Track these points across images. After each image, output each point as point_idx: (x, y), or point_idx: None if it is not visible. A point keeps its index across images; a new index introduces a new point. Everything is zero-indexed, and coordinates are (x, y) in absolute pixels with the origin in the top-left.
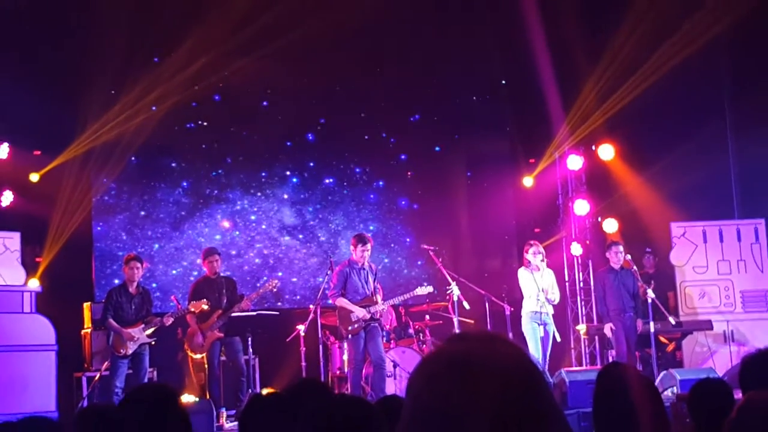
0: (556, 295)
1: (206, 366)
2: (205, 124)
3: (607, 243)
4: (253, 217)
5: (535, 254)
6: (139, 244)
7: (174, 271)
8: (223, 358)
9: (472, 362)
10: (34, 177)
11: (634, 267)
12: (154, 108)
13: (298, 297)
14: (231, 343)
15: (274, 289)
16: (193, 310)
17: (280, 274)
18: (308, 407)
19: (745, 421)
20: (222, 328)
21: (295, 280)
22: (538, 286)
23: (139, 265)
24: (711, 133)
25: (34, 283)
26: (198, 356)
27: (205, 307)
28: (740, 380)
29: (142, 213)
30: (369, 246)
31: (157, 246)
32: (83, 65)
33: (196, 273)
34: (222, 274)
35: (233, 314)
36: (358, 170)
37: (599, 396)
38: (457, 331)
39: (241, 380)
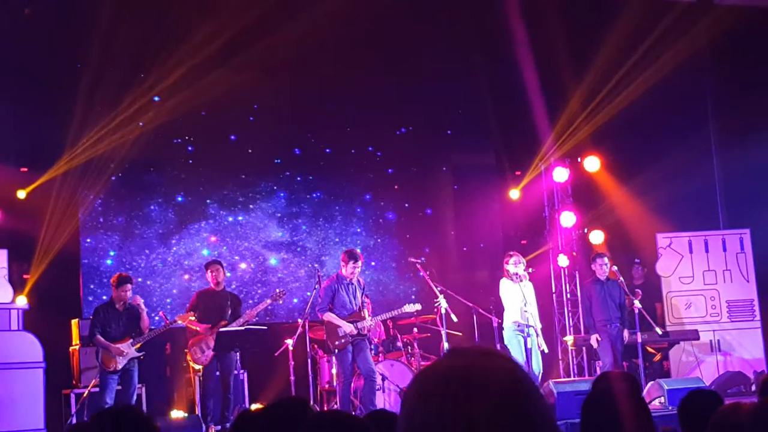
0: (537, 321)
1: (201, 378)
2: (191, 138)
3: (593, 255)
4: (240, 231)
5: (516, 264)
6: (126, 260)
7: (162, 287)
8: (218, 373)
9: (468, 378)
10: (21, 194)
11: (621, 278)
12: (140, 124)
13: (284, 312)
14: (228, 358)
15: (280, 300)
16: (180, 322)
17: (278, 290)
18: (299, 425)
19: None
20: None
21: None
22: (524, 295)
23: (129, 287)
24: (695, 144)
25: (22, 301)
26: (198, 366)
27: (192, 319)
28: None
29: (129, 229)
30: (360, 263)
31: (144, 262)
32: (69, 82)
33: (184, 288)
34: (227, 290)
35: (222, 329)
36: (345, 184)
37: (587, 409)
38: (447, 344)
39: (228, 397)
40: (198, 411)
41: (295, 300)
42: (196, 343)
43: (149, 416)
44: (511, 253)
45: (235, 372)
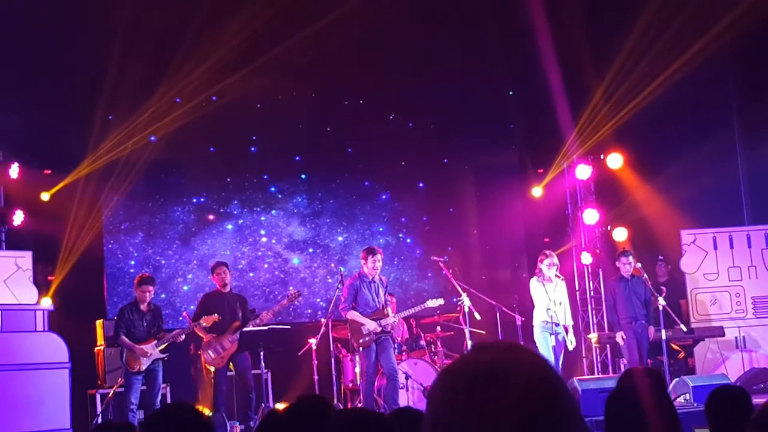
0: (568, 318)
1: (214, 381)
2: (213, 140)
3: (617, 253)
4: (262, 232)
5: (549, 266)
6: (149, 261)
7: (185, 287)
8: (231, 372)
9: (495, 372)
10: (45, 196)
11: (645, 275)
12: (152, 139)
13: (309, 311)
14: (240, 358)
15: (297, 301)
16: (204, 324)
17: (291, 288)
18: (325, 422)
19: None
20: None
21: (306, 293)
22: (549, 297)
23: (151, 288)
24: (719, 140)
25: (47, 302)
26: (213, 368)
27: (217, 319)
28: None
29: (152, 230)
30: (379, 257)
31: (166, 263)
32: (93, 85)
33: (207, 289)
34: (233, 291)
35: (245, 329)
36: (366, 183)
37: (612, 406)
38: (470, 342)
39: (250, 397)
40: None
41: (318, 300)
42: (209, 346)
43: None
44: (547, 252)
45: (257, 371)
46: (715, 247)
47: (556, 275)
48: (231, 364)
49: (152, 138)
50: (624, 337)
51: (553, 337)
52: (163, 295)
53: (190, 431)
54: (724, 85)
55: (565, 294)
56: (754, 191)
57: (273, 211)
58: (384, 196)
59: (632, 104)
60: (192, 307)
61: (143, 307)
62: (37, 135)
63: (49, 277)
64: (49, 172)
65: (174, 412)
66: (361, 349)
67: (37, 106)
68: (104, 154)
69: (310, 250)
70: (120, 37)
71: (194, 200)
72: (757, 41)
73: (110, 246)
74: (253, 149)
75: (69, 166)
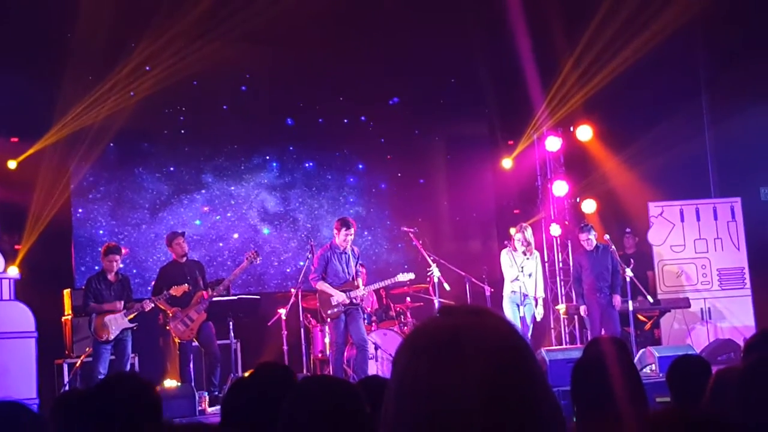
0: (540, 290)
1: (202, 349)
2: (183, 108)
3: (579, 227)
4: (232, 202)
5: (520, 241)
6: (118, 230)
7: (154, 257)
8: (195, 343)
9: (460, 336)
10: (12, 164)
11: (613, 247)
12: (132, 94)
13: (278, 280)
14: (205, 327)
15: (257, 261)
16: (174, 293)
17: (251, 251)
18: (291, 389)
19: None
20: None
21: (276, 263)
22: (518, 265)
23: (117, 257)
24: (687, 114)
25: (14, 271)
26: (185, 341)
27: (187, 289)
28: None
29: (122, 199)
30: (352, 230)
31: (136, 232)
32: (61, 51)
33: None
34: (190, 258)
35: (214, 298)
36: (337, 154)
37: (577, 374)
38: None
39: (216, 366)
40: (192, 381)
41: (288, 269)
42: (176, 318)
43: (148, 384)
44: (521, 224)
45: (226, 341)
46: (682, 220)
47: (528, 244)
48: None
49: (132, 93)
50: (586, 310)
51: (522, 308)
52: (133, 269)
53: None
54: (693, 58)
55: (537, 266)
56: (721, 164)
57: (243, 182)
58: (355, 167)
59: (601, 76)
60: None
61: (111, 277)
62: (5, 102)
63: (16, 246)
64: (17, 140)
65: (122, 382)
66: (330, 320)
67: (3, 74)
68: (72, 121)
69: (281, 220)
70: (90, 1)
71: (164, 169)
72: (725, 13)
73: (78, 215)
74: (224, 118)
75: (36, 134)
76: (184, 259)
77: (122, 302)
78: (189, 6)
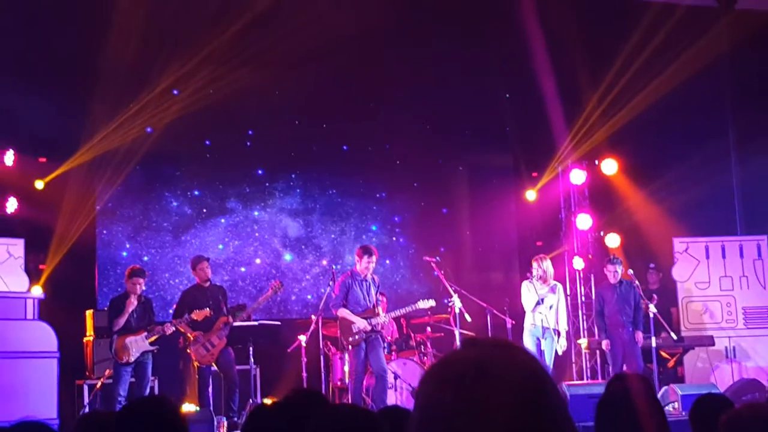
0: (562, 323)
1: (221, 374)
2: (209, 133)
3: (606, 259)
4: (255, 227)
5: (536, 269)
6: (142, 253)
7: (176, 280)
8: (214, 368)
9: (483, 369)
10: (39, 184)
11: (636, 282)
12: (149, 131)
13: (299, 307)
14: (224, 353)
15: (279, 292)
16: (195, 318)
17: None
18: (313, 417)
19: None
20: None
21: (297, 290)
22: (539, 300)
23: (141, 280)
24: (714, 149)
25: (38, 290)
26: (204, 365)
27: (209, 314)
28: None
29: (146, 221)
30: (374, 258)
31: (159, 255)
32: (90, 74)
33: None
34: (213, 283)
35: (235, 324)
36: (361, 181)
37: (602, 410)
38: (466, 336)
39: (235, 391)
40: (211, 405)
41: (309, 296)
42: (197, 342)
43: (175, 408)
44: (541, 256)
45: (246, 366)
46: (708, 257)
47: (546, 280)
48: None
49: (149, 129)
50: (608, 345)
51: (543, 341)
52: (156, 291)
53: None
54: (720, 94)
55: (560, 299)
56: (747, 202)
57: (267, 207)
58: (378, 196)
59: (628, 110)
60: None
61: (134, 298)
62: (33, 122)
63: (41, 266)
64: (45, 160)
65: (149, 405)
66: (350, 347)
67: (33, 94)
68: (100, 143)
69: (303, 246)
70: (120, 25)
71: (189, 193)
72: (754, 50)
73: (103, 236)
74: (248, 144)
75: (64, 155)
76: (208, 283)
77: (144, 336)
78: (216, 31)
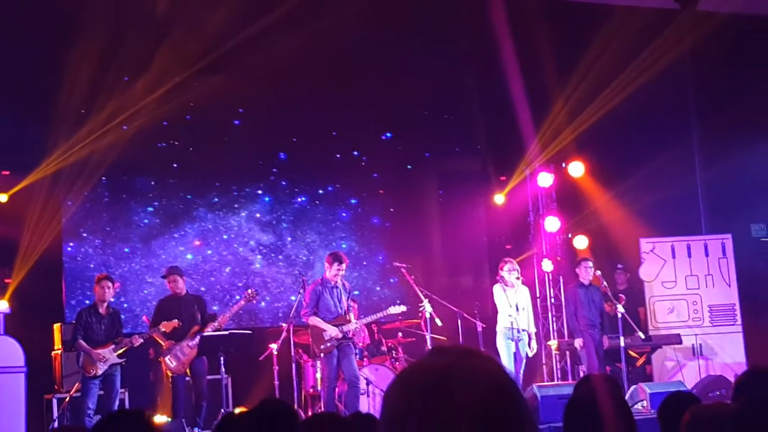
0: (531, 325)
1: (171, 386)
2: (176, 143)
3: (577, 259)
4: (225, 236)
5: (509, 271)
6: (110, 264)
7: (145, 291)
8: (188, 378)
9: (449, 377)
10: (3, 197)
11: (604, 283)
12: (124, 127)
13: (270, 315)
14: (197, 363)
15: (254, 300)
16: (164, 329)
17: (249, 290)
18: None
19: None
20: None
21: (268, 298)
22: (510, 302)
23: (110, 284)
24: (678, 151)
25: (3, 305)
26: (171, 374)
27: (177, 325)
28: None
29: (113, 233)
30: (344, 265)
31: (127, 266)
32: (53, 84)
33: (168, 292)
34: (190, 292)
35: (206, 333)
36: (330, 188)
37: (570, 411)
38: (431, 347)
39: (201, 404)
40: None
41: (280, 304)
42: (169, 352)
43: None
44: (507, 259)
45: (217, 376)
46: (674, 256)
47: (517, 278)
48: (188, 369)
49: (124, 127)
50: (581, 344)
51: (514, 343)
52: (124, 303)
53: None
54: (683, 95)
55: (528, 300)
56: (711, 201)
57: (236, 216)
58: (348, 202)
59: (594, 113)
60: (151, 313)
61: (102, 310)
62: None
63: (6, 280)
64: (8, 173)
65: (124, 417)
66: (322, 354)
67: None
68: (65, 155)
69: (272, 255)
70: (84, 35)
71: (156, 202)
72: (716, 51)
73: (69, 249)
74: (217, 153)
75: (28, 167)
76: (184, 293)
77: (111, 348)
78: (183, 41)
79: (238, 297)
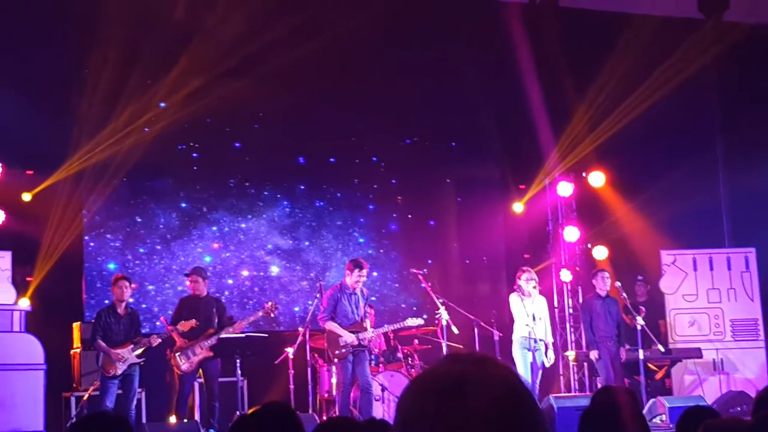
0: (548, 335)
1: (178, 383)
2: (196, 145)
3: (594, 270)
4: (243, 239)
5: (527, 281)
6: (129, 264)
7: (164, 292)
8: (200, 379)
9: (464, 383)
10: (26, 196)
11: (624, 294)
12: (146, 129)
13: (287, 319)
14: (211, 365)
15: (273, 314)
16: (181, 329)
17: (269, 303)
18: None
19: None
20: (212, 348)
21: (285, 302)
22: (527, 312)
23: (127, 284)
24: (701, 162)
25: (25, 303)
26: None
27: (194, 325)
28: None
29: (133, 233)
30: (365, 271)
31: (146, 267)
32: (77, 85)
33: (186, 293)
34: (211, 295)
35: (222, 336)
36: (348, 194)
37: (586, 421)
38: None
39: (213, 405)
40: (197, 416)
41: (297, 308)
42: (180, 350)
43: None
44: (524, 268)
45: (233, 379)
46: (695, 269)
47: (535, 287)
48: (201, 370)
49: (162, 104)
50: (596, 356)
51: (531, 353)
52: (143, 303)
53: None
54: (706, 106)
55: (545, 310)
56: (735, 214)
57: (254, 219)
58: (366, 207)
59: (614, 123)
60: (170, 312)
61: (120, 310)
62: (21, 135)
63: (28, 278)
64: (31, 172)
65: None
66: (337, 360)
67: (20, 106)
68: (87, 156)
69: (290, 258)
70: (107, 37)
71: (176, 205)
72: (741, 62)
73: (90, 248)
74: (236, 156)
75: (52, 167)
76: (204, 294)
77: (130, 348)
78: (204, 45)
79: (255, 303)
